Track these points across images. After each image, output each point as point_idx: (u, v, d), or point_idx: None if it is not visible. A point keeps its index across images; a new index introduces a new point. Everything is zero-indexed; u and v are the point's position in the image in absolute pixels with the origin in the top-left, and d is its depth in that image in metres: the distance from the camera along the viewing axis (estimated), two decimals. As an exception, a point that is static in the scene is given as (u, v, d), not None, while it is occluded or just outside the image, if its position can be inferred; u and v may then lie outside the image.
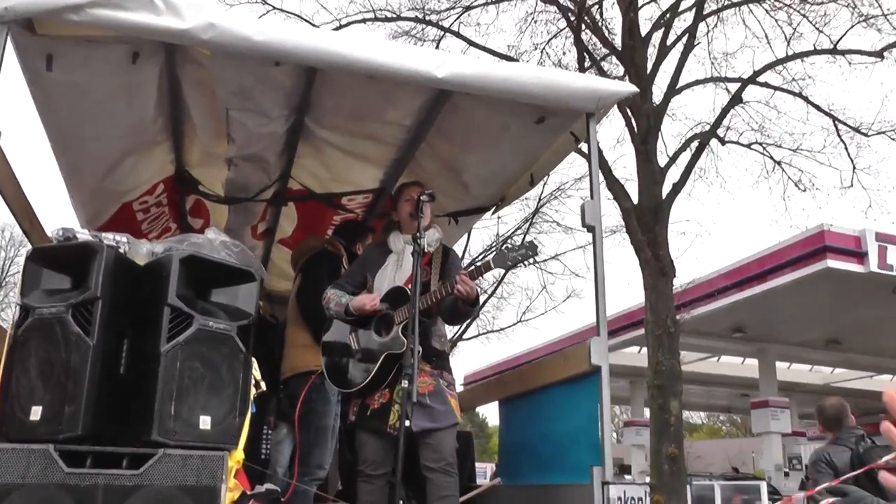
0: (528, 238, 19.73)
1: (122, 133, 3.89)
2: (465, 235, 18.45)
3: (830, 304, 16.06)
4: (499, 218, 20.46)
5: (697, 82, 14.71)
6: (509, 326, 24.57)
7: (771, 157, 15.36)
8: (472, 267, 3.48)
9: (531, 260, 3.42)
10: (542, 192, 20.14)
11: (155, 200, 4.82)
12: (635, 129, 13.02)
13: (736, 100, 14.11)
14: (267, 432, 4.85)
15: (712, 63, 15.07)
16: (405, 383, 3.17)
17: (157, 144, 4.23)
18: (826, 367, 23.90)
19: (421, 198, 3.56)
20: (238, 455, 2.85)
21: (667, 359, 12.00)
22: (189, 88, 3.73)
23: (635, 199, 12.89)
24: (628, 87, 3.78)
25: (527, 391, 4.15)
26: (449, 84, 3.39)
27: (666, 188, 13.04)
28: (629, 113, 12.99)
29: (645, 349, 20.59)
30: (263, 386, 3.33)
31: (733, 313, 16.90)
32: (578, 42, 13.44)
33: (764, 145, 15.29)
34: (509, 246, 3.44)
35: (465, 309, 3.62)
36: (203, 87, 3.67)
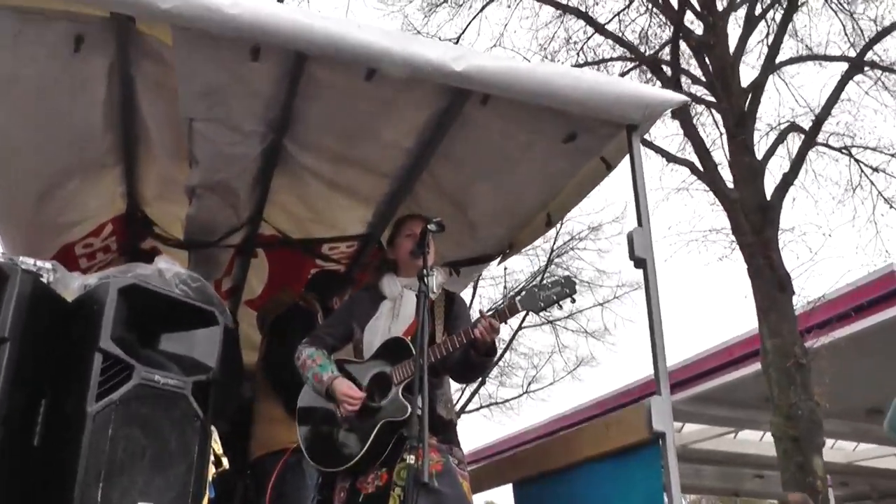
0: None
1: (62, 144, 3.17)
2: (469, 291, 17.03)
3: (885, 364, 12.31)
4: (505, 269, 19.07)
5: (793, 60, 12.50)
6: (514, 398, 22.57)
7: (859, 164, 12.63)
8: (494, 311, 2.86)
9: (570, 300, 2.81)
10: (553, 244, 18.96)
11: (102, 244, 4.08)
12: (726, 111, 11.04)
13: (857, 69, 11.50)
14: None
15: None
16: (410, 458, 2.49)
17: (106, 168, 3.52)
18: (850, 441, 19.56)
19: (428, 227, 2.94)
20: (190, 557, 2.11)
21: (803, 400, 9.39)
22: (145, 92, 3.06)
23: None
24: (678, 97, 3.24)
25: (553, 470, 3.38)
26: (468, 80, 2.76)
27: (768, 185, 10.82)
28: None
29: (687, 424, 18.53)
30: (226, 463, 2.59)
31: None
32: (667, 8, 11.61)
33: (851, 150, 12.63)
34: (540, 284, 2.86)
35: (479, 360, 2.96)
36: (163, 90, 3.01)
